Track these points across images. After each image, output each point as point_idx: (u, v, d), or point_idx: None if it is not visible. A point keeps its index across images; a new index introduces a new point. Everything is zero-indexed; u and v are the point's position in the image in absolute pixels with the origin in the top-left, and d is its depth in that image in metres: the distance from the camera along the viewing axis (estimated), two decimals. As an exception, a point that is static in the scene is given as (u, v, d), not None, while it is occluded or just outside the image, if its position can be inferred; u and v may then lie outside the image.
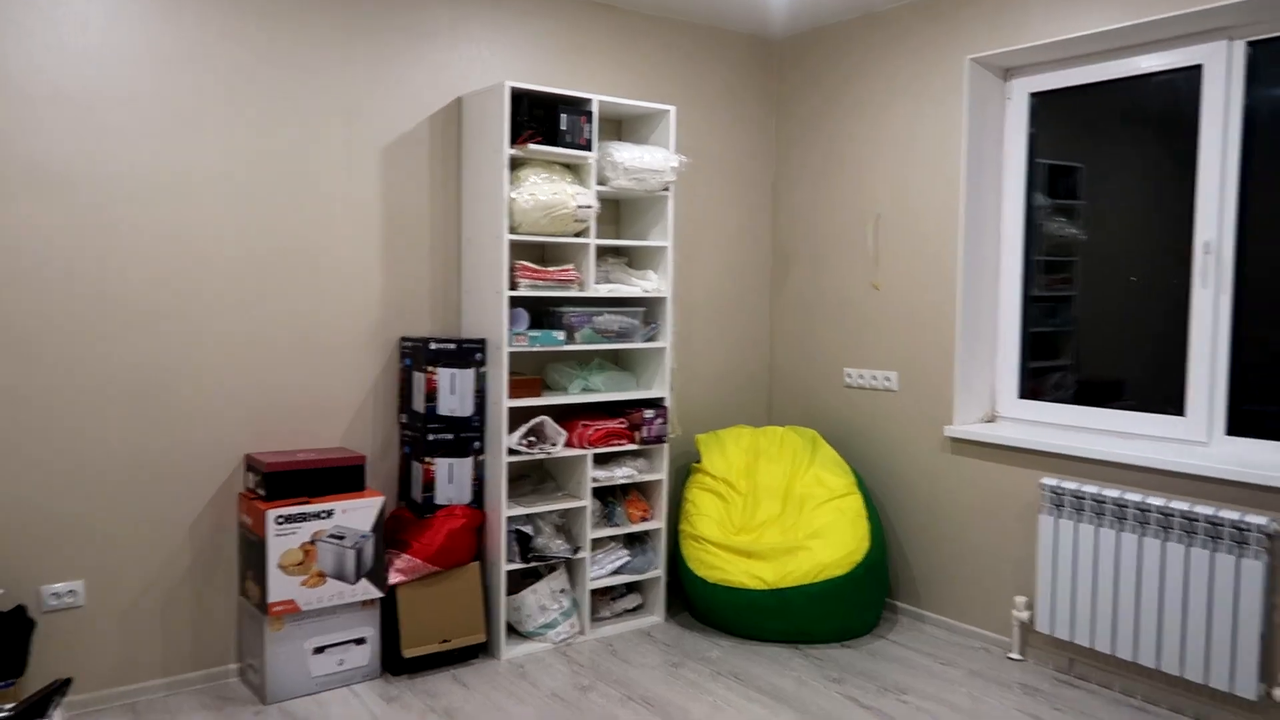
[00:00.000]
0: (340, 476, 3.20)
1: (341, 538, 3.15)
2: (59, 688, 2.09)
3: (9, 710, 1.99)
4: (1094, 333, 3.60)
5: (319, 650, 3.17)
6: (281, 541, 3.04)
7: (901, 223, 3.96)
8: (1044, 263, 3.76)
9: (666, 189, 3.77)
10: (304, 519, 3.08)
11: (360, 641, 3.26)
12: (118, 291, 3.01)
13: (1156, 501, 3.07)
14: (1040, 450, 3.46)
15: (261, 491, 3.09)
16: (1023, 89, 3.73)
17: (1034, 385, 3.78)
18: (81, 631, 3.01)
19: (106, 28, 2.94)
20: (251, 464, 3.18)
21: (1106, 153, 3.53)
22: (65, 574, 2.97)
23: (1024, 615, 3.50)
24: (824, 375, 4.32)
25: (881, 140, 4.03)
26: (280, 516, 3.04)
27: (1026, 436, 3.51)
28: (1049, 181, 3.72)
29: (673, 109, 3.77)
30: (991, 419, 3.87)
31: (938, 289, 3.82)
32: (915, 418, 3.93)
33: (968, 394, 3.80)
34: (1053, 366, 3.74)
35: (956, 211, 3.73)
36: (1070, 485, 3.29)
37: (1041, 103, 3.71)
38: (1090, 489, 3.24)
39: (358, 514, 3.18)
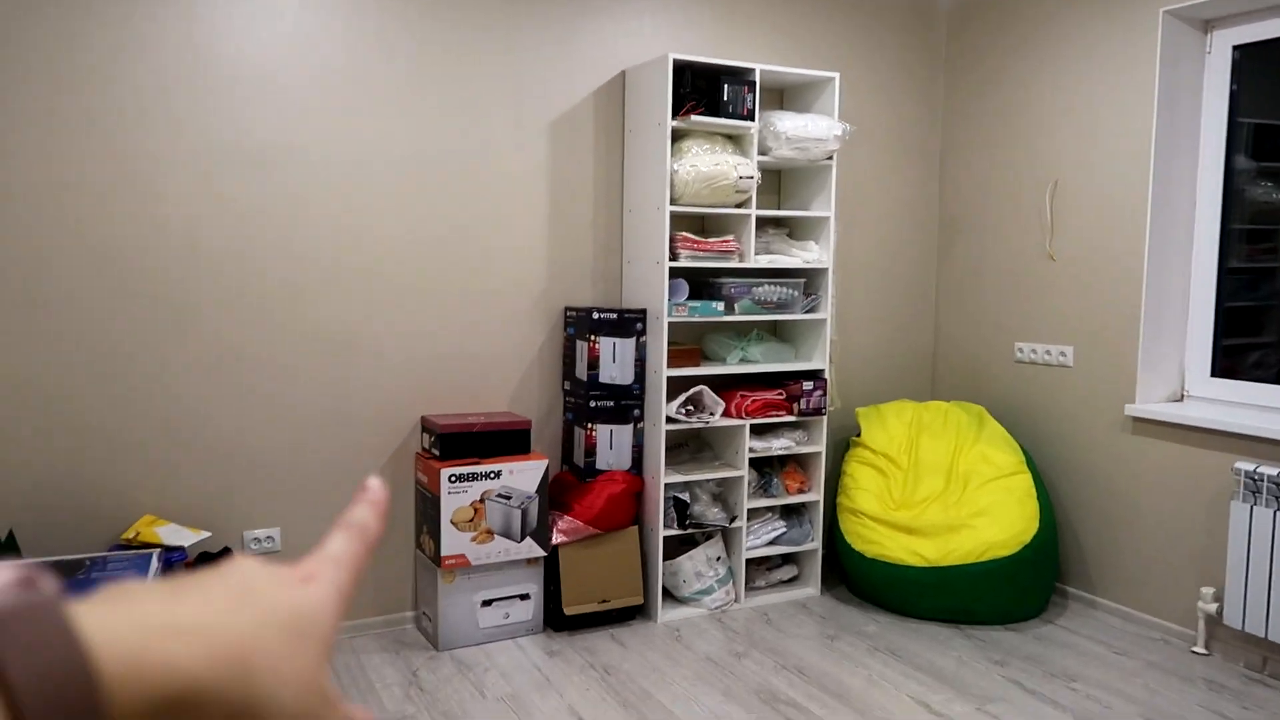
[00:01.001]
0: (508, 439, 3.35)
1: (509, 497, 3.30)
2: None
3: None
4: (1301, 306, 3.30)
5: (487, 603, 3.34)
6: (454, 499, 3.22)
7: (1082, 189, 3.74)
8: (1245, 231, 3.47)
9: (830, 158, 3.71)
10: (474, 478, 3.25)
11: (524, 597, 3.41)
12: (308, 263, 3.25)
13: (1371, 491, 2.80)
14: (1235, 432, 3.22)
15: (436, 451, 3.27)
16: (1224, 42, 3.44)
17: (1229, 363, 3.51)
18: (278, 574, 3.29)
19: (298, 17, 3.16)
20: (427, 425, 3.37)
21: (1322, 108, 3.21)
22: (264, 521, 3.26)
23: (1211, 607, 3.28)
24: (992, 349, 4.15)
25: (1061, 102, 3.81)
26: (453, 475, 3.21)
27: (1219, 417, 3.27)
28: (1253, 142, 3.42)
29: (836, 76, 3.69)
30: (1179, 398, 3.63)
31: (1122, 259, 3.60)
32: (1092, 395, 3.73)
33: (1152, 371, 3.57)
34: (1252, 344, 3.46)
35: (1145, 176, 3.50)
36: (1269, 470, 3.05)
37: (1246, 56, 3.41)
38: (1292, 475, 2.99)
39: (524, 475, 3.32)
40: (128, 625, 0.31)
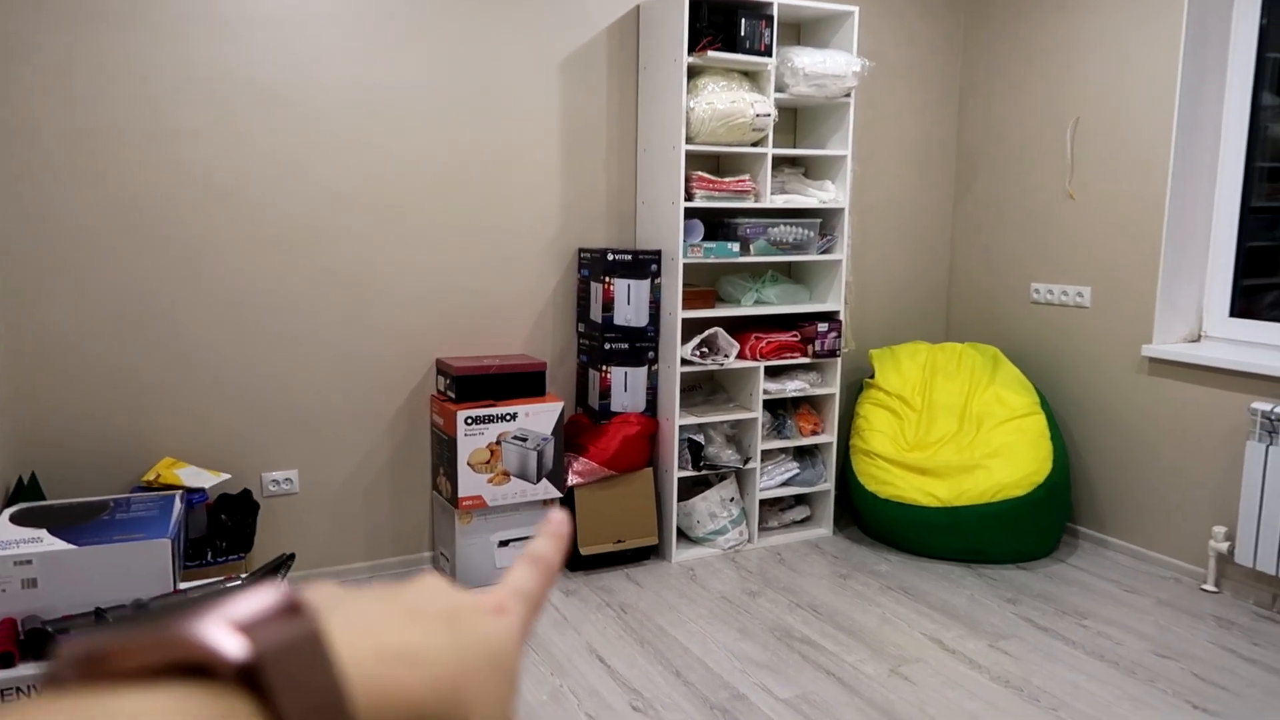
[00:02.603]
0: (523, 382, 3.35)
1: (524, 439, 3.31)
2: (285, 561, 2.33)
3: (244, 578, 2.23)
4: (1324, 246, 3.26)
5: (503, 544, 3.38)
6: (470, 441, 3.23)
7: (1104, 126, 3.68)
8: (1267, 170, 3.42)
9: (848, 95, 3.64)
10: (490, 421, 3.26)
11: (541, 537, 3.43)
12: (322, 203, 3.21)
13: (1389, 431, 2.80)
14: (1252, 373, 3.21)
15: (451, 394, 3.28)
16: (1255, -27, 3.35)
17: (1247, 304, 3.49)
18: (296, 515, 3.32)
19: (307, -52, 3.08)
20: (442, 368, 3.37)
21: (1353, 42, 3.14)
22: (282, 464, 3.27)
23: (1222, 546, 3.30)
24: (1008, 290, 4.12)
25: (1085, 38, 3.72)
26: (469, 417, 3.22)
27: (1237, 358, 3.26)
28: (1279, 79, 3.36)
29: (856, 10, 3.61)
30: (1196, 338, 3.61)
31: (1142, 198, 3.55)
32: (1109, 336, 3.71)
33: (1170, 311, 3.55)
34: (1271, 284, 3.43)
35: (1170, 113, 3.43)
36: (1286, 411, 3.05)
37: (1277, -13, 3.32)
38: (1309, 416, 2.98)
39: (539, 418, 3.33)
40: (369, 653, 0.32)
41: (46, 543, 2.11)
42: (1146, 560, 3.63)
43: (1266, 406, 3.10)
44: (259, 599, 0.29)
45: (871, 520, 3.74)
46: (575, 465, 3.45)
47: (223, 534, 2.93)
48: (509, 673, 0.37)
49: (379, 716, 0.31)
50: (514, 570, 0.43)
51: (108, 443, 3.02)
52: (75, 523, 2.24)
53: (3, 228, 2.83)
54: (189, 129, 3.00)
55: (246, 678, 0.27)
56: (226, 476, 2.98)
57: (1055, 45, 3.84)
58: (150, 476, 2.89)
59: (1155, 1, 3.45)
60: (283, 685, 0.28)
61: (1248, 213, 3.47)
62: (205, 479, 2.92)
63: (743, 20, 3.37)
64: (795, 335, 3.71)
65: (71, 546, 2.09)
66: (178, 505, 2.39)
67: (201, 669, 0.27)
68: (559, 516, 0.46)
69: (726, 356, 3.59)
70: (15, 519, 2.26)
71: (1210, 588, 3.37)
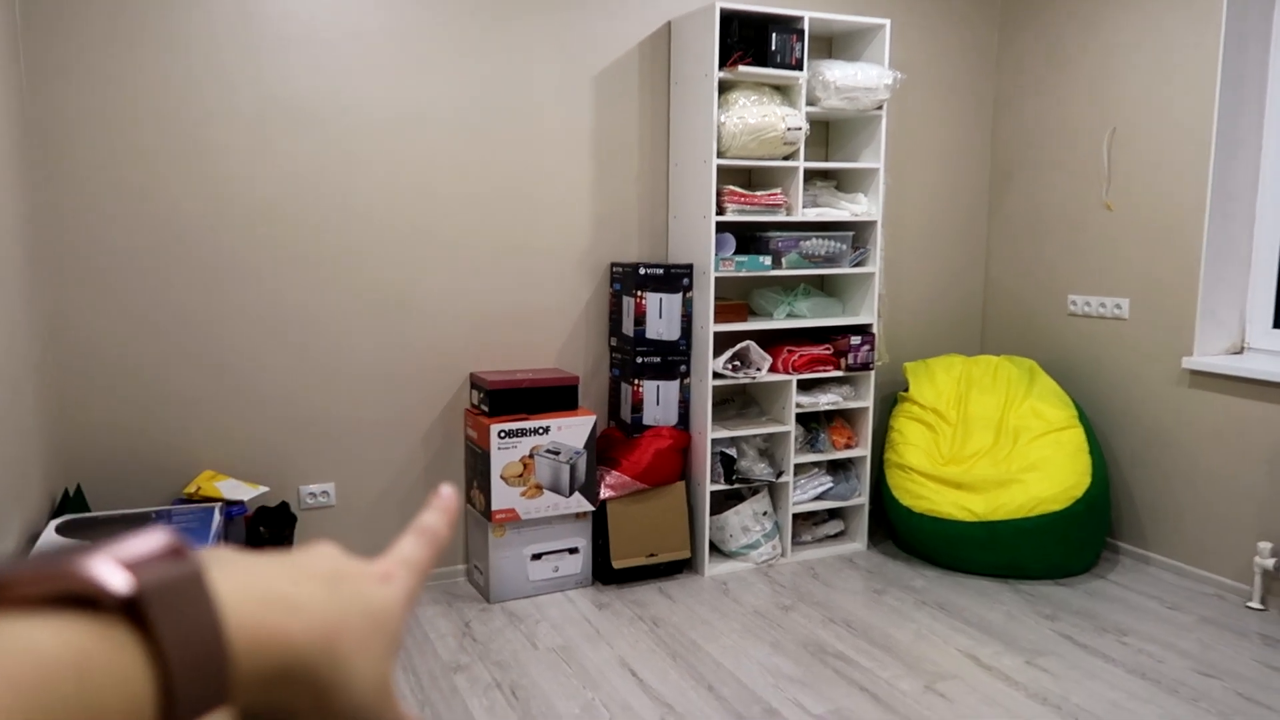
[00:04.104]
0: (556, 395, 3.37)
1: (557, 453, 3.33)
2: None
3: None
4: (1371, 256, 3.19)
5: (536, 557, 3.39)
6: (503, 454, 3.25)
7: (1142, 137, 3.63)
8: (1311, 177, 3.35)
9: (880, 108, 3.63)
10: (523, 434, 3.28)
11: (573, 551, 3.45)
12: (359, 220, 3.26)
13: None
14: (1297, 386, 3.15)
15: (485, 407, 3.30)
16: (1295, -21, 3.30)
17: (1291, 315, 3.42)
18: (332, 528, 3.36)
19: (344, -29, 3.14)
20: (476, 382, 3.40)
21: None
22: (319, 477, 3.32)
23: (1268, 562, 3.23)
24: (1045, 302, 4.08)
25: (1122, 49, 3.69)
26: (502, 431, 3.24)
27: (1281, 370, 3.19)
28: (1323, 84, 3.29)
29: (888, 22, 3.60)
30: (1239, 350, 3.54)
31: (1182, 208, 3.50)
32: (1148, 348, 3.65)
33: (1212, 323, 3.49)
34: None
35: (1209, 123, 3.38)
36: (1332, 425, 2.98)
37: (1318, -6, 3.27)
38: (1357, 429, 2.91)
39: (572, 431, 3.34)
40: (250, 598, 0.33)
41: (90, 554, 2.15)
42: (1189, 577, 3.56)
43: (1312, 420, 3.03)
44: (147, 541, 0.31)
45: (906, 535, 3.71)
46: (608, 478, 3.46)
47: (260, 546, 2.97)
48: (390, 635, 0.39)
49: (255, 657, 0.32)
50: (402, 541, 0.44)
51: (150, 456, 3.08)
52: (118, 534, 2.29)
53: (47, 248, 2.91)
54: (227, 148, 3.07)
55: (131, 611, 0.29)
56: (265, 489, 3.03)
57: (1090, 57, 3.81)
58: (191, 489, 2.95)
59: (1193, 8, 3.41)
60: (163, 618, 0.29)
61: (1291, 222, 3.40)
62: (244, 491, 2.97)
63: (774, 35, 3.38)
64: (828, 348, 3.69)
65: (114, 558, 2.14)
66: (217, 517, 2.43)
67: (89, 601, 0.29)
68: (448, 491, 0.47)
69: (759, 370, 3.58)
70: (61, 530, 2.32)
71: (1256, 605, 3.29)
